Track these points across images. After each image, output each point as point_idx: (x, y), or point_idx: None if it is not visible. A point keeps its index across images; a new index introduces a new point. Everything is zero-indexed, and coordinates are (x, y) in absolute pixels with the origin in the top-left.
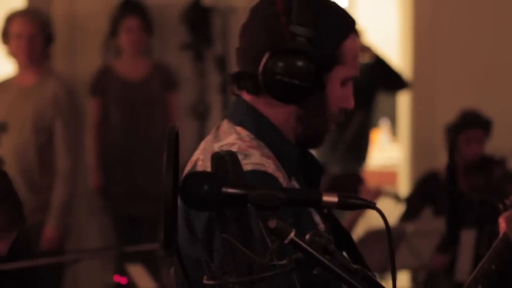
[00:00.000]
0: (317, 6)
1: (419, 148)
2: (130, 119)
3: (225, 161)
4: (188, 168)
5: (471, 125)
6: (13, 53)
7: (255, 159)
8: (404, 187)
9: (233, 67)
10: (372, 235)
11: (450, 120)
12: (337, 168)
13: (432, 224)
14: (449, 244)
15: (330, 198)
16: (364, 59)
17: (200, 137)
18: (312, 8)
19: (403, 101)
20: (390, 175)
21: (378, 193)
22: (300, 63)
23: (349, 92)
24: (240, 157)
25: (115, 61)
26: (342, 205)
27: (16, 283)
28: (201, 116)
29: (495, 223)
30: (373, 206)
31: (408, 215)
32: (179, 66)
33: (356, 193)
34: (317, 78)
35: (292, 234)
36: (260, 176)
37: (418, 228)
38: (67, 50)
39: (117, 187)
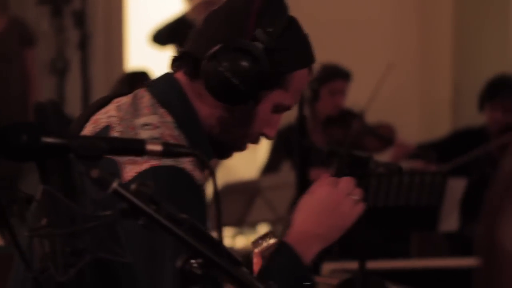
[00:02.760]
0: (291, 25)
1: None
2: None
3: (46, 110)
4: (89, 129)
5: (333, 77)
6: None
7: None
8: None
9: (95, 23)
10: (229, 189)
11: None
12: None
13: (288, 177)
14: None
15: (154, 147)
16: None
17: (60, 94)
18: (284, 24)
19: None
20: None
21: (409, 149)
22: (246, 66)
23: (276, 121)
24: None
25: None
26: (166, 153)
27: None
28: (60, 73)
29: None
30: (198, 155)
31: (268, 168)
32: (37, 21)
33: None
34: (256, 89)
35: (115, 184)
36: (176, 172)
37: (273, 181)
38: None
39: None
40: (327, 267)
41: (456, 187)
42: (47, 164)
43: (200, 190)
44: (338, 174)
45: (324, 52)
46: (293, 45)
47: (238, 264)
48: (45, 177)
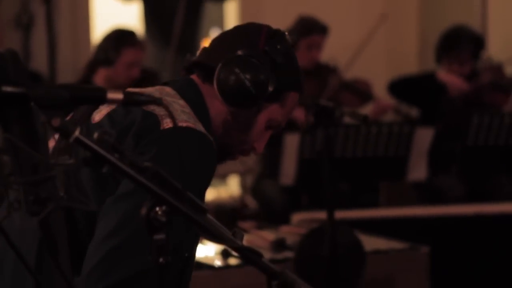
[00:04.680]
0: (292, 53)
1: None
2: None
3: (4, 59)
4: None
5: (311, 31)
6: None
7: (203, 129)
8: None
9: None
10: None
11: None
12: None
13: None
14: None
15: (115, 96)
16: None
17: (25, 48)
18: (288, 49)
19: (231, 9)
20: None
21: (388, 107)
22: (259, 74)
23: (266, 138)
24: (192, 119)
25: None
26: (127, 102)
27: None
28: (25, 27)
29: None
30: (160, 102)
31: None
32: None
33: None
34: (264, 96)
35: (76, 133)
36: (207, 139)
37: None
38: None
39: None
40: (296, 217)
41: (424, 136)
42: (8, 113)
43: (215, 162)
44: (305, 123)
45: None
46: (294, 68)
47: (203, 211)
48: (6, 126)
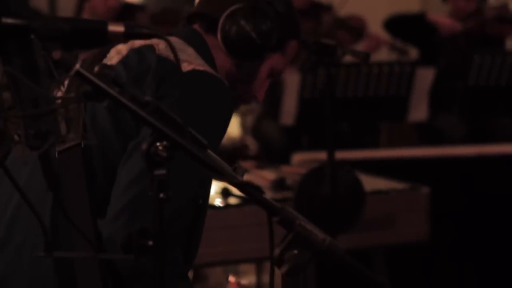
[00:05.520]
0: (290, 0)
1: None
2: None
3: None
4: (113, 55)
5: None
6: None
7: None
8: None
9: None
10: None
11: None
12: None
13: None
14: None
15: (116, 28)
16: None
17: None
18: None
19: None
20: None
21: (382, 42)
22: (263, 24)
23: (266, 87)
24: (202, 62)
25: None
26: (128, 35)
27: None
28: None
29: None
30: (161, 36)
31: None
32: None
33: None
34: (268, 47)
35: (77, 66)
36: (224, 84)
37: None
38: None
39: None
40: (297, 157)
41: (425, 76)
42: (9, 46)
43: (232, 109)
44: (307, 62)
45: None
46: (294, 16)
47: (205, 146)
48: (6, 59)
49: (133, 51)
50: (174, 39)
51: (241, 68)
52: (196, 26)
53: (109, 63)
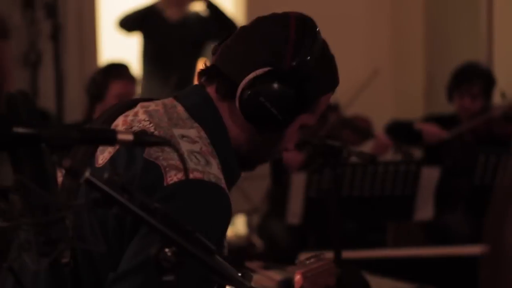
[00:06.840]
0: (323, 51)
1: None
2: None
3: (16, 101)
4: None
5: None
6: None
7: (215, 170)
8: None
9: (67, 14)
10: None
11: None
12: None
13: (263, 168)
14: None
15: (125, 136)
16: (194, 7)
17: (33, 86)
18: (319, 51)
19: None
20: None
21: (388, 145)
22: (285, 96)
23: (296, 136)
24: (202, 160)
25: None
26: (137, 143)
27: None
28: (33, 65)
29: (326, 163)
30: (168, 143)
31: None
32: (8, 13)
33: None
34: (292, 117)
35: (87, 174)
36: (218, 191)
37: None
38: None
39: None
40: (303, 257)
41: (430, 176)
42: (19, 154)
43: (230, 212)
44: (312, 163)
45: None
46: (325, 70)
47: (212, 252)
48: (17, 167)
49: (124, 151)
50: (178, 111)
51: (263, 135)
52: (210, 89)
53: (101, 156)
